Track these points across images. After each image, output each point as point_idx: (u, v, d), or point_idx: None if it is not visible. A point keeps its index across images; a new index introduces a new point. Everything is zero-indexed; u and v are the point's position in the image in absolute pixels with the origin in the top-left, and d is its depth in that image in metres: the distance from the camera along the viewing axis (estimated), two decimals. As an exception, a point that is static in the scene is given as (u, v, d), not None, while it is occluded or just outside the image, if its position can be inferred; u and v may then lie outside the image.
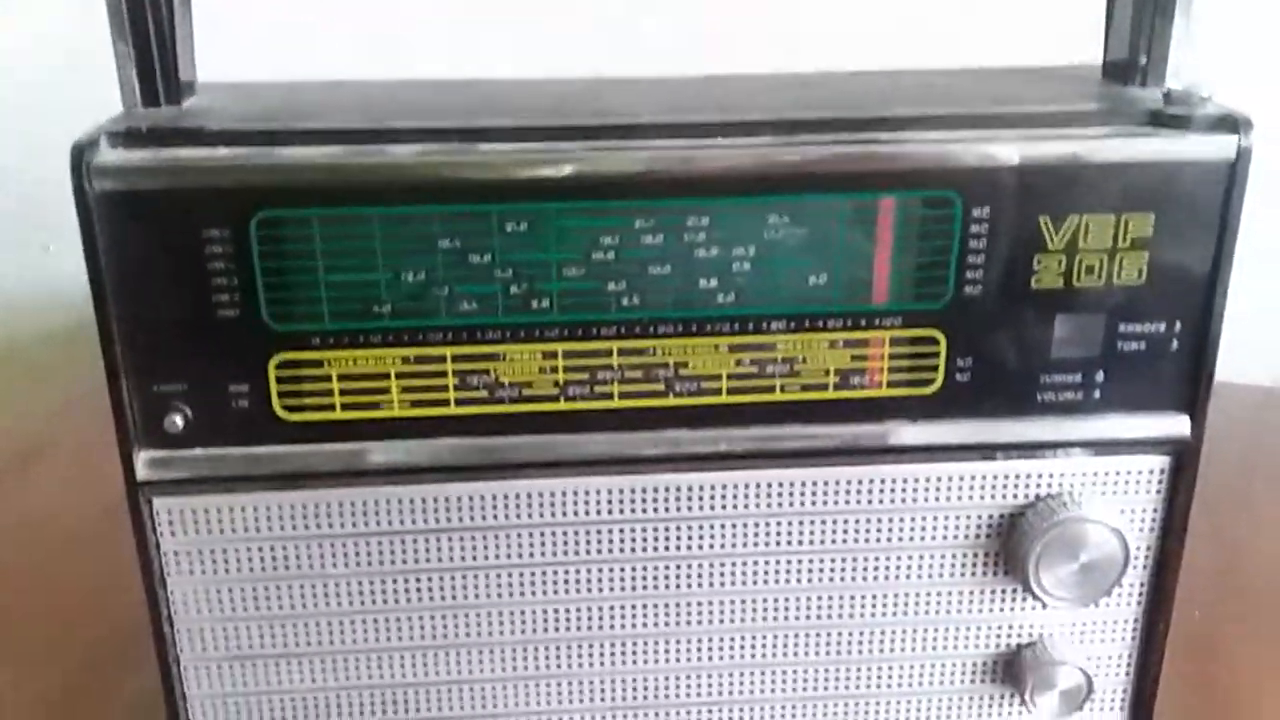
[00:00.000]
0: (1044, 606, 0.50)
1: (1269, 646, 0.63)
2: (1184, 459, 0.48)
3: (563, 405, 0.46)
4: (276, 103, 0.47)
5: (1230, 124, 0.44)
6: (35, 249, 1.16)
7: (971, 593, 0.50)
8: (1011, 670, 0.51)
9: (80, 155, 0.41)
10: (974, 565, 0.49)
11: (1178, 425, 0.47)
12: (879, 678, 0.51)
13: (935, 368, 0.46)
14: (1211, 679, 0.60)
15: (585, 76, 0.53)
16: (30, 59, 1.06)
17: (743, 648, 0.50)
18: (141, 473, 0.45)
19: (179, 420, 0.44)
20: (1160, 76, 0.48)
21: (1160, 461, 0.48)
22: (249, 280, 0.43)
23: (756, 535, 0.48)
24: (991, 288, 0.45)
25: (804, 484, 0.48)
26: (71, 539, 0.71)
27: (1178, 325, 0.46)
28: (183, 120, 0.44)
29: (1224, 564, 0.69)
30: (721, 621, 0.50)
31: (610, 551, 0.48)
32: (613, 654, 0.50)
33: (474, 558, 0.48)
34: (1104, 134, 0.44)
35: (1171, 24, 0.48)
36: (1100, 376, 0.47)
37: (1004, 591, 0.50)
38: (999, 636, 0.51)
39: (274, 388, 0.44)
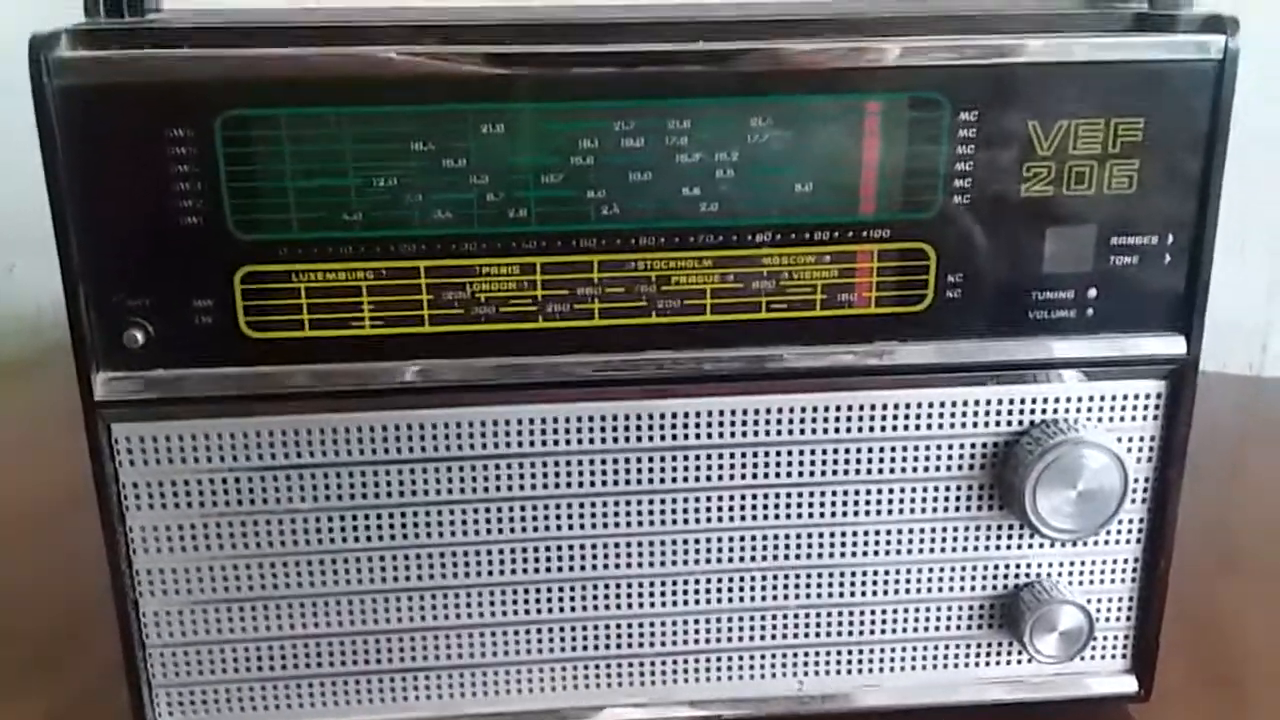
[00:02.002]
0: (1041, 542, 0.48)
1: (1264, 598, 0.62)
2: (1180, 382, 0.47)
3: (541, 324, 0.44)
4: (243, 16, 0.46)
5: (1217, 24, 0.43)
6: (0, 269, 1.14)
7: (966, 529, 0.48)
8: (1010, 614, 0.49)
9: (38, 50, 0.39)
10: (968, 498, 0.48)
11: (1173, 345, 0.46)
12: (870, 620, 0.49)
13: (925, 284, 0.45)
14: (1211, 629, 0.58)
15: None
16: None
17: (727, 587, 0.48)
18: (100, 392, 0.43)
19: (139, 336, 0.42)
20: (1144, -9, 0.47)
21: (1156, 386, 0.47)
22: (214, 186, 0.41)
23: (741, 466, 0.46)
24: (981, 197, 0.44)
25: (791, 410, 0.46)
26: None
27: (1170, 237, 0.45)
28: (144, 24, 0.43)
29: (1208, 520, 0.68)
30: (704, 560, 0.48)
31: (590, 484, 0.46)
32: (594, 595, 0.48)
33: (448, 491, 0.46)
34: (1091, 34, 0.43)
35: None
36: (1093, 293, 0.45)
37: (1000, 527, 0.48)
38: (996, 576, 0.49)
39: (239, 303, 0.43)
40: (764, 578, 0.48)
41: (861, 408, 0.46)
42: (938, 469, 0.47)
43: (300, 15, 0.46)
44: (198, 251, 0.42)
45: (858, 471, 0.47)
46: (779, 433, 0.46)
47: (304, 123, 0.41)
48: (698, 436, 0.46)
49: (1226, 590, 0.61)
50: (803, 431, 0.46)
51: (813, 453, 0.46)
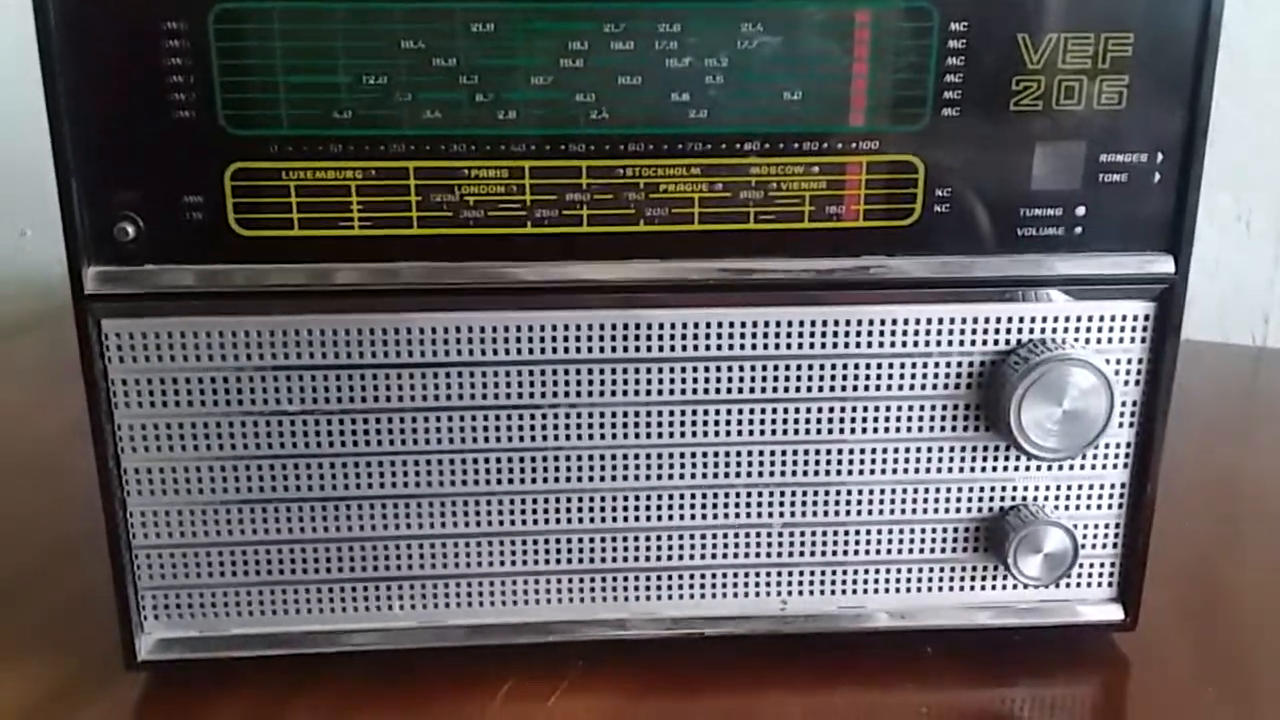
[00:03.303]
0: (1027, 464, 0.48)
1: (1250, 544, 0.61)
2: (1168, 302, 0.47)
3: (529, 229, 0.44)
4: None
5: (1208, -61, 0.43)
6: (11, 234, 1.15)
7: (952, 449, 0.48)
8: (995, 536, 0.49)
9: (35, -60, 0.40)
10: (955, 418, 0.48)
11: (1161, 264, 0.46)
12: (854, 541, 0.49)
13: (914, 197, 0.45)
14: (1203, 577, 0.58)
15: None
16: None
17: (709, 503, 0.48)
18: (89, 286, 0.43)
19: (130, 229, 0.42)
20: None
21: (1144, 308, 0.47)
22: (206, 79, 0.41)
23: (724, 379, 0.47)
24: (970, 110, 0.44)
25: (777, 323, 0.46)
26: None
27: (1159, 156, 0.45)
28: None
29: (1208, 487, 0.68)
30: (687, 475, 0.48)
31: (574, 394, 0.46)
32: (577, 508, 0.48)
33: (434, 397, 0.46)
34: (1082, -52, 0.43)
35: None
36: (1081, 211, 0.46)
37: (986, 448, 0.48)
38: (981, 498, 0.49)
39: (229, 199, 0.43)
40: (747, 494, 0.48)
41: (848, 322, 0.46)
42: (924, 387, 0.47)
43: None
44: (189, 146, 0.42)
45: (843, 388, 0.47)
46: (764, 346, 0.46)
47: (296, 16, 0.41)
48: (683, 348, 0.46)
49: (1225, 550, 0.61)
50: (788, 345, 0.46)
51: (798, 367, 0.47)
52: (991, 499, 0.49)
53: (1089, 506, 0.49)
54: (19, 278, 1.18)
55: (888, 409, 0.47)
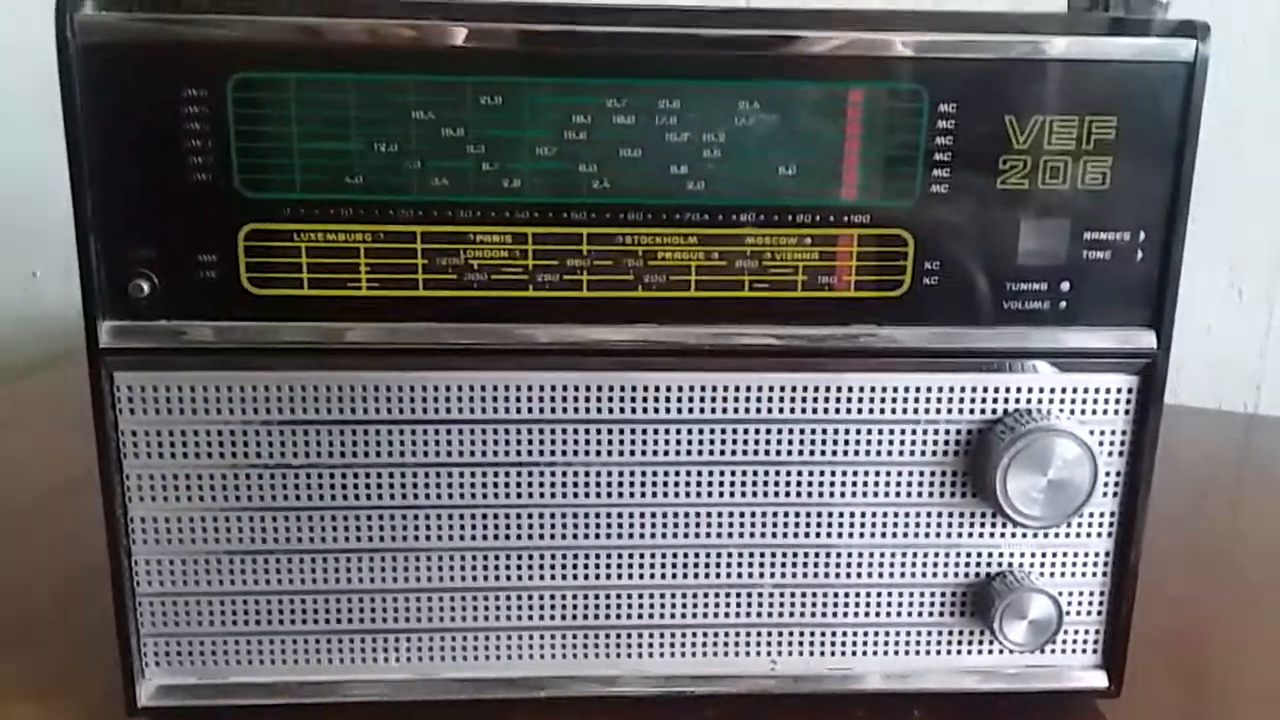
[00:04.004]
0: (1013, 531, 0.49)
1: (1236, 612, 0.62)
2: (1150, 376, 0.48)
3: (531, 293, 0.46)
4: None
5: (1189, 29, 0.45)
6: (22, 276, 1.17)
7: (939, 514, 0.49)
8: (981, 602, 0.50)
9: (65, 9, 0.42)
10: (943, 484, 0.49)
11: (1144, 339, 0.48)
12: (844, 603, 0.50)
13: (903, 269, 0.46)
14: (1189, 640, 0.59)
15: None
16: (14, 104, 1.08)
17: (702, 563, 0.49)
18: (104, 339, 0.44)
19: (145, 286, 0.44)
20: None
21: (1127, 380, 0.48)
22: (223, 144, 0.43)
23: (719, 442, 0.48)
24: (959, 187, 0.46)
25: (769, 388, 0.47)
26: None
27: (1142, 235, 0.47)
28: (167, -5, 0.45)
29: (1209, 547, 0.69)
30: (680, 535, 0.49)
31: (570, 453, 0.47)
32: (571, 564, 0.49)
33: (434, 453, 0.47)
34: (1069, 35, 0.45)
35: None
36: (1066, 286, 0.47)
37: (972, 515, 0.49)
38: (969, 564, 0.50)
39: (242, 259, 0.44)
40: (739, 554, 0.49)
41: (839, 389, 0.48)
42: (913, 453, 0.48)
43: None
44: (205, 207, 0.44)
45: (834, 453, 0.48)
46: (757, 410, 0.48)
47: (311, 86, 0.43)
48: (677, 411, 0.47)
49: (1214, 611, 0.62)
50: (780, 410, 0.48)
51: (790, 432, 0.48)
52: (978, 564, 0.50)
53: (1074, 574, 0.50)
54: (29, 319, 1.20)
55: (877, 474, 0.49)
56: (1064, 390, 0.48)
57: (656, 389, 0.47)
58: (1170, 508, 0.66)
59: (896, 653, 0.51)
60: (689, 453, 0.48)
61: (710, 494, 0.48)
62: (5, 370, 1.17)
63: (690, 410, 0.47)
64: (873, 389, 0.48)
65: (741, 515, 0.49)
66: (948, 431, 0.48)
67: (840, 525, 0.49)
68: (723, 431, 0.48)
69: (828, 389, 0.48)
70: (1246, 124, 0.92)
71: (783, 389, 0.47)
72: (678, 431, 0.48)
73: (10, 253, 1.16)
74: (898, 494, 0.49)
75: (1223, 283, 0.98)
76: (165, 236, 0.44)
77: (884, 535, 0.49)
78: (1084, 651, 0.51)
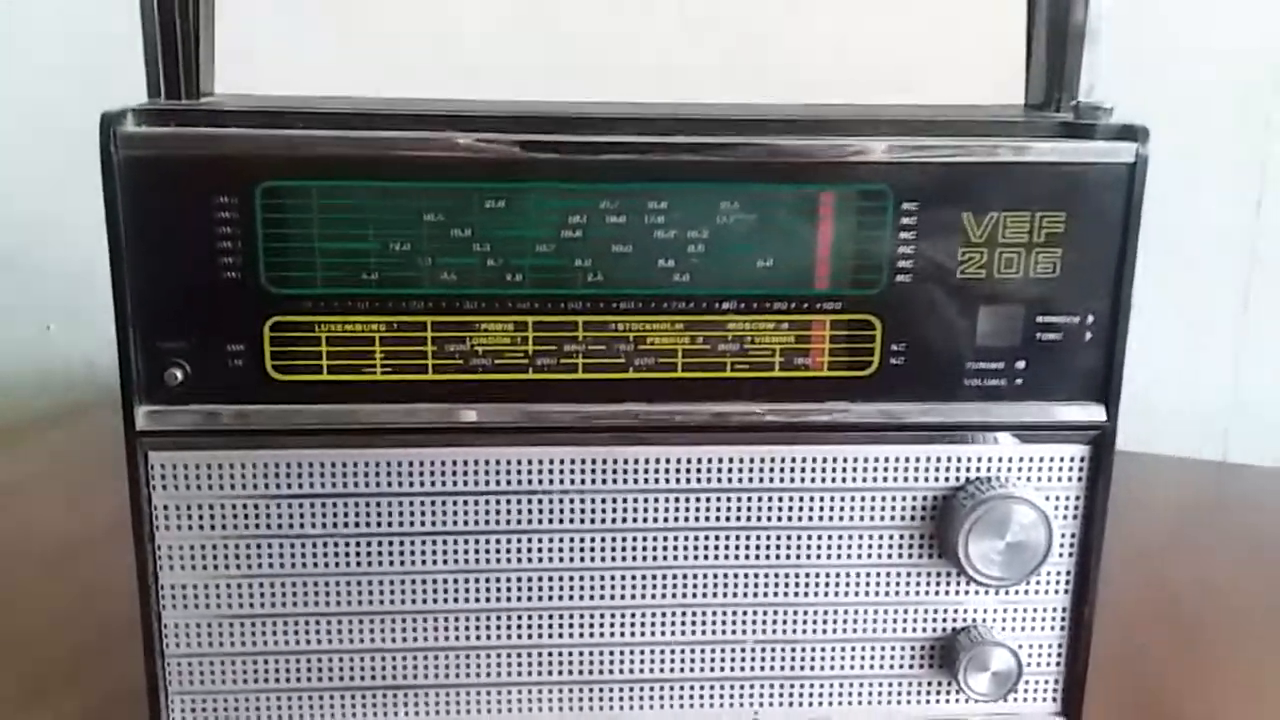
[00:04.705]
0: (976, 589, 0.53)
1: (1191, 658, 0.66)
2: (1100, 446, 0.52)
3: (532, 375, 0.50)
4: (284, 101, 0.52)
5: (1130, 133, 0.49)
6: (36, 328, 1.21)
7: (908, 574, 0.53)
8: (947, 655, 0.54)
9: (108, 125, 0.46)
10: (910, 547, 0.53)
11: (1094, 413, 0.52)
12: (820, 657, 0.54)
13: (872, 351, 0.51)
14: (1144, 686, 0.63)
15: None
16: (31, 154, 1.13)
17: (688, 621, 0.53)
18: (140, 423, 0.48)
19: (178, 374, 0.48)
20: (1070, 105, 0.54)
21: (1079, 450, 0.52)
22: (251, 245, 0.47)
23: (704, 510, 0.52)
24: (921, 277, 0.50)
25: (751, 460, 0.52)
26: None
27: (1090, 317, 0.51)
28: (198, 107, 0.49)
29: (1166, 602, 0.73)
30: (668, 595, 0.53)
31: (567, 521, 0.52)
32: (566, 624, 0.53)
33: (441, 523, 0.51)
34: (1020, 139, 0.49)
35: (1080, 65, 0.54)
36: (1021, 365, 0.51)
37: (939, 574, 0.54)
38: (935, 619, 0.54)
39: (268, 348, 0.49)
40: (723, 613, 0.53)
41: (814, 460, 0.52)
42: (883, 518, 0.53)
43: (329, 102, 0.52)
44: (234, 302, 0.48)
45: (810, 518, 0.52)
46: (739, 480, 0.52)
47: (331, 193, 0.47)
48: (666, 481, 0.51)
49: (1177, 661, 0.66)
50: (761, 480, 0.52)
51: (769, 499, 0.52)
52: (944, 620, 0.54)
53: (1033, 628, 0.54)
54: (42, 370, 1.23)
55: (851, 537, 0.53)
56: (1022, 459, 0.52)
57: (646, 461, 0.51)
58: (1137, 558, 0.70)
59: (870, 702, 0.55)
60: (676, 520, 0.52)
61: (696, 557, 0.52)
62: (19, 423, 1.21)
63: (678, 480, 0.52)
64: (846, 460, 0.52)
65: (725, 576, 0.53)
66: (915, 498, 0.52)
67: (817, 585, 0.53)
68: (708, 500, 0.52)
69: (804, 460, 0.52)
70: (1205, 184, 0.97)
71: (763, 460, 0.52)
72: (666, 500, 0.52)
73: (25, 306, 1.20)
74: (869, 555, 0.53)
75: (1190, 333, 1.02)
76: (198, 328, 0.48)
77: (857, 594, 0.53)
78: (1044, 700, 0.55)
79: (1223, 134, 0.97)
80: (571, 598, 0.53)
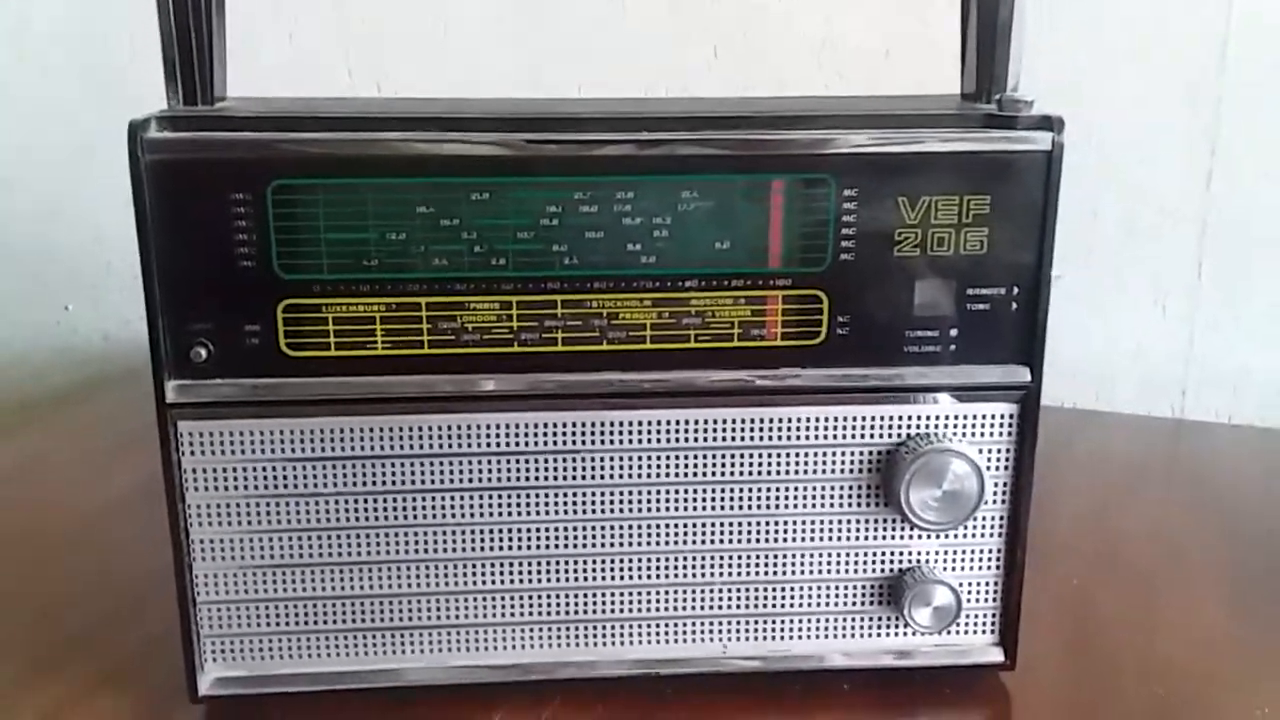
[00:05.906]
0: (918, 533, 0.60)
1: (1130, 597, 0.73)
2: (1027, 404, 0.58)
3: (516, 349, 0.56)
4: (290, 105, 0.58)
5: (1048, 123, 0.55)
6: (55, 308, 1.27)
7: (857, 521, 0.60)
8: (894, 592, 0.60)
9: (135, 132, 0.52)
10: (858, 496, 0.59)
11: (1020, 374, 0.58)
12: (782, 596, 0.60)
13: (820, 322, 0.57)
14: (1081, 625, 0.69)
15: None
16: (48, 139, 1.18)
17: (664, 565, 0.59)
18: (170, 396, 0.55)
19: (203, 353, 0.54)
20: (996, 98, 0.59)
21: (1008, 408, 0.59)
22: (264, 237, 0.53)
23: (675, 466, 0.58)
24: (862, 255, 0.56)
25: (715, 421, 0.58)
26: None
27: (1014, 289, 0.57)
28: (214, 113, 0.55)
29: (1112, 548, 0.79)
30: (645, 543, 0.59)
31: (552, 478, 0.58)
32: (557, 570, 0.59)
33: (441, 481, 0.57)
34: (948, 130, 0.55)
35: (1008, 59, 0.59)
36: (954, 332, 0.57)
37: (885, 521, 0.60)
38: (882, 561, 0.60)
39: (281, 328, 0.55)
40: (694, 558, 0.60)
41: (771, 421, 0.58)
42: (833, 471, 0.59)
43: (334, 106, 0.58)
44: (249, 288, 0.54)
45: (770, 472, 0.59)
46: (706, 439, 0.58)
47: (336, 190, 0.53)
48: (640, 441, 0.58)
49: (1115, 602, 0.72)
50: (725, 439, 0.58)
51: (733, 456, 0.58)
52: (890, 562, 0.60)
53: (971, 567, 0.61)
54: (60, 349, 1.30)
55: (805, 489, 0.59)
56: (957, 417, 0.58)
57: (621, 424, 0.57)
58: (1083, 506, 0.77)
59: (826, 637, 0.61)
60: (650, 475, 0.58)
61: (669, 509, 0.59)
62: (41, 397, 1.28)
63: (650, 441, 0.58)
64: (799, 420, 0.58)
65: (696, 525, 0.59)
66: (861, 453, 0.59)
67: (776, 532, 0.59)
68: (678, 457, 0.58)
69: (763, 420, 0.58)
70: (1161, 163, 1.03)
71: (726, 422, 0.58)
72: (640, 458, 0.58)
73: (44, 287, 1.26)
74: (823, 505, 0.59)
75: (1148, 300, 1.08)
76: (218, 311, 0.54)
77: (812, 539, 0.60)
78: (983, 632, 0.62)
79: (1177, 115, 1.03)
80: (557, 547, 0.59)
